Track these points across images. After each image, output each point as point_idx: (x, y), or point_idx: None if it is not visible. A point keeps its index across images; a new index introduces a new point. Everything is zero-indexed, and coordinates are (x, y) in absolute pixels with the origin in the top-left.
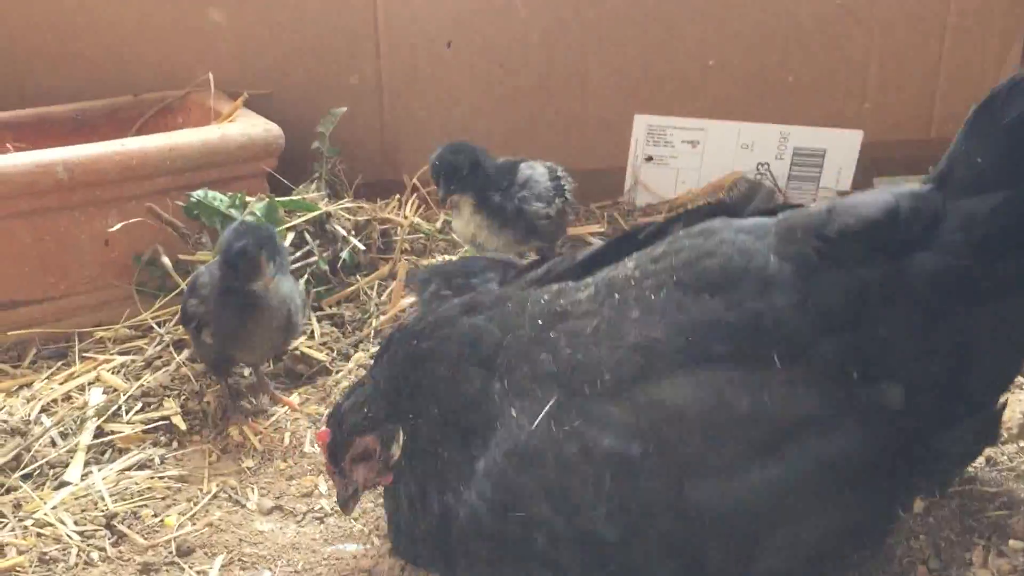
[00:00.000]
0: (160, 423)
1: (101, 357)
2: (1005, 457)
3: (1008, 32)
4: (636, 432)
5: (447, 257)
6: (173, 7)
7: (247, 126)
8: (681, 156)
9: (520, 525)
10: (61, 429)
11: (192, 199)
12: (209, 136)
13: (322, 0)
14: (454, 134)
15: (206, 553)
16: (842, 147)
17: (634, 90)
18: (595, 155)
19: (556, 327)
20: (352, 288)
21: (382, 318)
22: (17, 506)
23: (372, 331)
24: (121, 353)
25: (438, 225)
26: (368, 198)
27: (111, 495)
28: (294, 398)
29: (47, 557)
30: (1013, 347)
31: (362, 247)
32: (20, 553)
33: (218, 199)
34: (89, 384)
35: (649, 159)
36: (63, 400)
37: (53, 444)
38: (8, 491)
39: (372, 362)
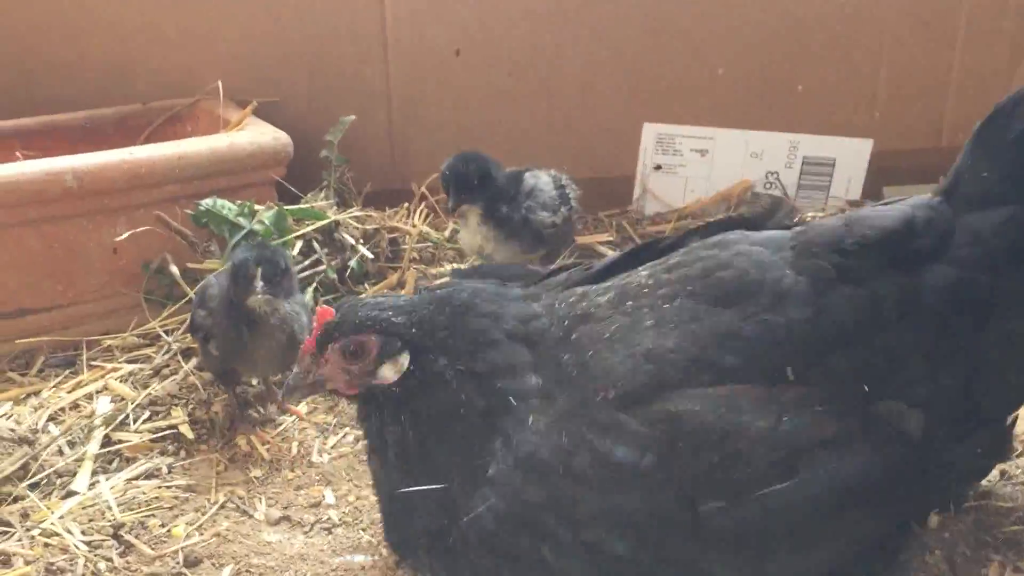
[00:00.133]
0: (168, 432)
1: (109, 365)
2: (1020, 471)
3: (1019, 41)
4: (650, 444)
5: (456, 266)
6: (182, 16)
7: (256, 134)
8: (690, 165)
9: (527, 536)
10: (69, 438)
11: (201, 207)
12: (218, 144)
13: (330, 9)
14: (462, 143)
15: (214, 564)
16: (852, 156)
17: (643, 98)
18: (604, 163)
19: (579, 328)
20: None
21: None
22: (24, 516)
23: None
24: (129, 361)
25: (447, 234)
26: (376, 206)
27: (118, 505)
28: (302, 407)
29: (54, 567)
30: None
31: (370, 256)
32: (27, 563)
33: (227, 207)
34: (97, 393)
35: (658, 168)
36: (71, 409)
37: (61, 453)
38: (15, 500)
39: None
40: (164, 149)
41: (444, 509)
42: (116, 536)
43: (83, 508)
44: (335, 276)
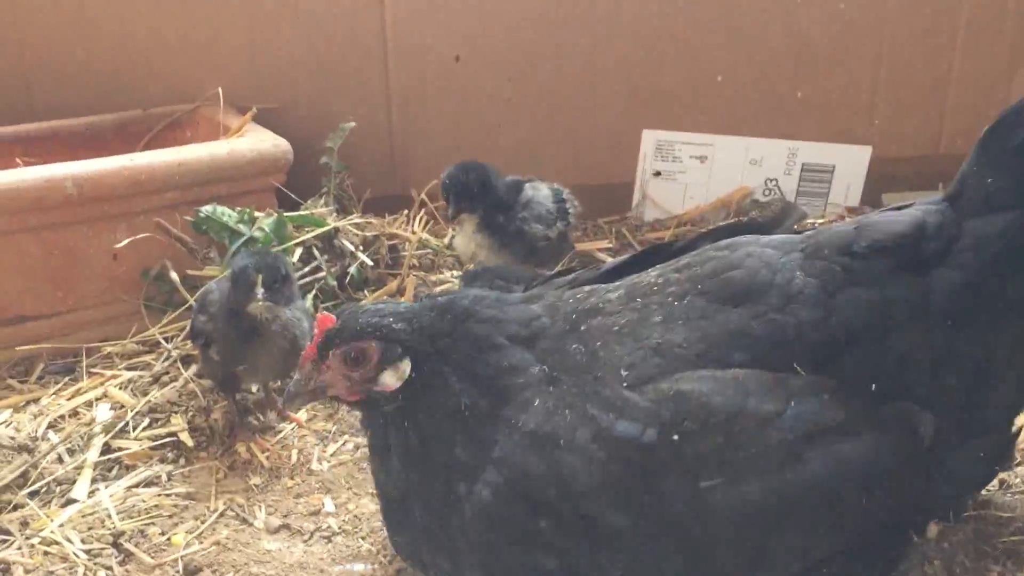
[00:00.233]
0: (167, 439)
1: (108, 373)
2: (1019, 480)
3: (1017, 48)
4: (655, 420)
5: (455, 273)
6: (183, 22)
7: (256, 141)
8: (689, 171)
9: (525, 509)
10: (68, 445)
11: (200, 214)
12: (218, 151)
13: (331, 15)
14: (462, 149)
15: (213, 572)
16: (851, 163)
17: (642, 105)
18: (603, 170)
19: (588, 321)
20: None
21: None
22: (24, 524)
23: None
24: (128, 368)
25: (446, 240)
26: (376, 213)
27: (118, 512)
28: (301, 415)
29: None
30: None
31: (370, 262)
32: (27, 572)
33: (227, 214)
34: (96, 400)
35: (657, 174)
36: (70, 416)
37: (60, 461)
38: (15, 508)
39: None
40: (164, 155)
41: (447, 505)
42: (116, 544)
43: (83, 516)
44: (335, 283)
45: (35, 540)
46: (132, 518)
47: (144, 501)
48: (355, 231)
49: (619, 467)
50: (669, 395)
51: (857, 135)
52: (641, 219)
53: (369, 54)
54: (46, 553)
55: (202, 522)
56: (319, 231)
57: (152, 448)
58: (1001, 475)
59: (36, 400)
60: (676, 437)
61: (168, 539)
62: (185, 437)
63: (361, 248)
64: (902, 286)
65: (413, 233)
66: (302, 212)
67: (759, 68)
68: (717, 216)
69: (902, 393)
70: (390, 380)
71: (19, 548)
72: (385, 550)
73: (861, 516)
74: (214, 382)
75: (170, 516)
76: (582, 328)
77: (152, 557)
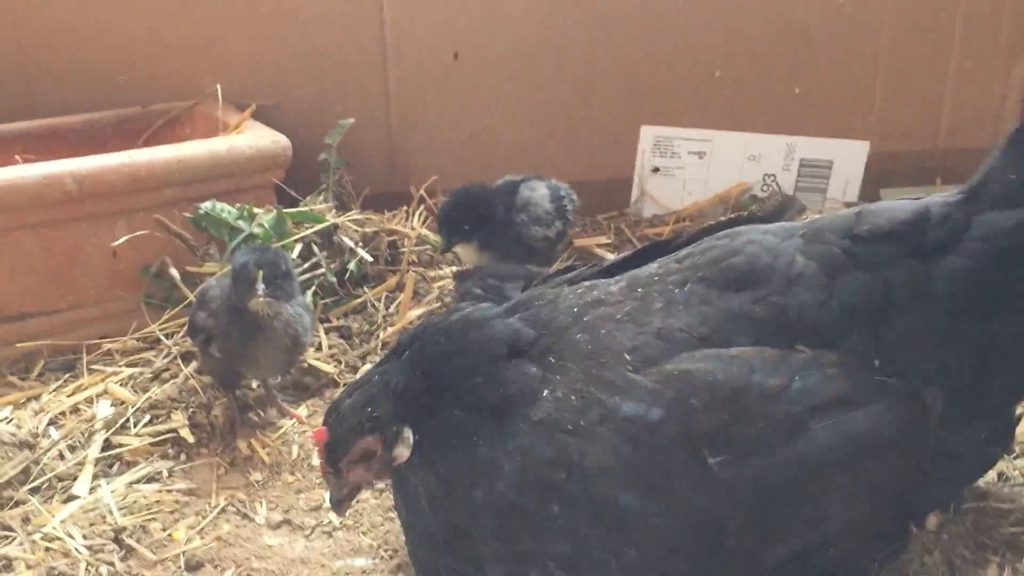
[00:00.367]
0: (168, 436)
1: (109, 369)
2: (1018, 472)
3: (1015, 44)
4: (660, 399)
5: (454, 268)
6: (181, 19)
7: (255, 137)
8: (688, 167)
9: (535, 493)
10: (69, 442)
11: (200, 211)
12: (217, 148)
13: (329, 12)
14: (461, 145)
15: (215, 568)
16: (849, 158)
17: (641, 101)
18: (602, 166)
19: (591, 312)
20: (359, 300)
21: (390, 330)
22: (25, 520)
23: (379, 343)
24: (129, 365)
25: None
26: (375, 209)
27: (119, 508)
28: (302, 410)
29: (55, 572)
30: None
31: (369, 259)
32: (28, 568)
33: (226, 211)
34: (97, 396)
35: (656, 170)
36: (71, 413)
37: (61, 457)
38: (16, 505)
39: (377, 362)
40: (163, 152)
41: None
42: (117, 540)
43: (84, 512)
44: (334, 279)
45: (37, 536)
46: (133, 514)
47: (145, 497)
48: (354, 227)
49: (627, 447)
50: (674, 375)
51: (855, 130)
52: (640, 215)
53: (368, 50)
54: (48, 549)
55: (203, 518)
56: (318, 227)
57: (153, 444)
58: (1000, 467)
59: (37, 397)
60: (682, 414)
61: (169, 535)
62: (186, 433)
63: (360, 244)
64: (904, 270)
65: (412, 229)
66: (301, 208)
67: (757, 64)
68: (716, 212)
69: (905, 374)
70: (403, 451)
71: (21, 544)
72: (386, 545)
73: (869, 489)
74: (214, 378)
75: (171, 512)
76: (585, 319)
77: (153, 553)
